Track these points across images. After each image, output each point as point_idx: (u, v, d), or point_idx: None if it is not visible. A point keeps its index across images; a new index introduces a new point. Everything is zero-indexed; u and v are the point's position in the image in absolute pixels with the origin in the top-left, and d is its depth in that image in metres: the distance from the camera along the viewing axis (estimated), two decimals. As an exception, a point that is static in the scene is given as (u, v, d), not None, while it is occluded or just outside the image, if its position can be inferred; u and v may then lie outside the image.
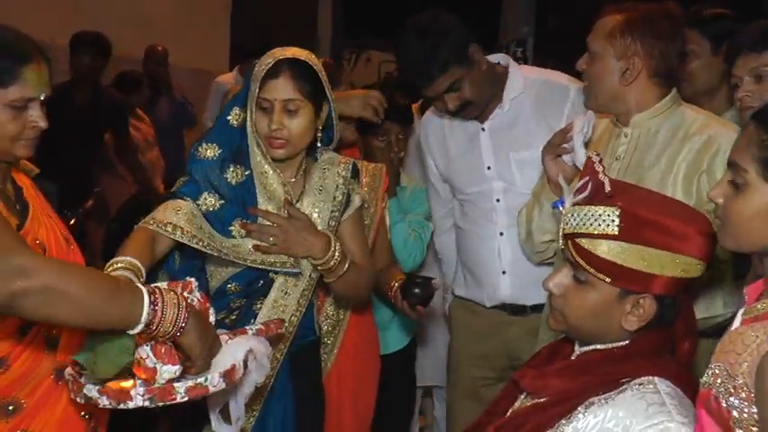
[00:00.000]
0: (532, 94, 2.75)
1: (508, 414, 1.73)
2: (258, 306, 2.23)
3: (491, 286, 2.81)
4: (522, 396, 1.75)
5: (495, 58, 2.80)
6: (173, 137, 6.30)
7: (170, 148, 6.15)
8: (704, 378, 1.46)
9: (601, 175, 1.63)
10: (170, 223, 2.10)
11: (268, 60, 2.16)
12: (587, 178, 1.65)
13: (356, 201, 2.31)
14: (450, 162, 2.87)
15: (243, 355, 1.72)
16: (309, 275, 2.25)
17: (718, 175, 2.14)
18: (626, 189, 1.67)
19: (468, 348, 2.92)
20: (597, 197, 1.62)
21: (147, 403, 1.60)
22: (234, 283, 2.21)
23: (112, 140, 5.19)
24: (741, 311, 1.49)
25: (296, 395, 2.30)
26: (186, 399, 1.61)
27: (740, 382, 1.37)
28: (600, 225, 1.60)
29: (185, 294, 1.69)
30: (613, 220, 1.59)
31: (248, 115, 2.18)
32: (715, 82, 2.80)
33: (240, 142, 2.21)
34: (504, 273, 2.78)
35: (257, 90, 2.14)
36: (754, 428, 1.36)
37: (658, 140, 2.23)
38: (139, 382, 1.64)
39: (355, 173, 2.33)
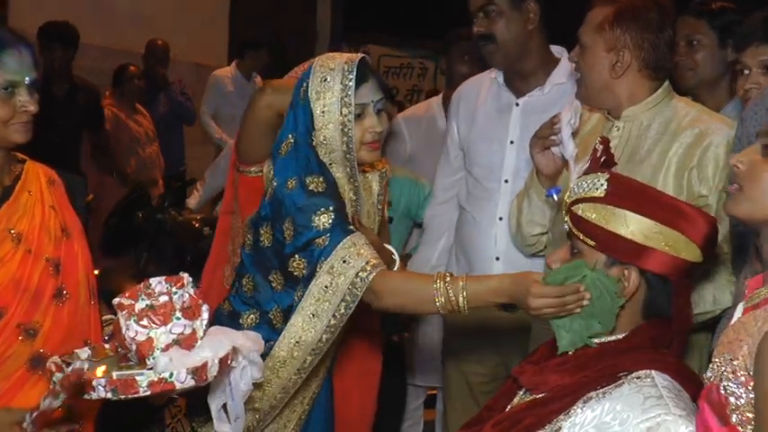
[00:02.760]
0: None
1: (507, 410, 1.73)
2: None
3: (483, 272, 2.79)
4: (521, 392, 1.75)
5: (554, 48, 2.82)
6: (172, 133, 6.31)
7: (169, 144, 6.17)
8: (708, 374, 1.48)
9: (597, 145, 1.72)
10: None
11: (343, 67, 2.10)
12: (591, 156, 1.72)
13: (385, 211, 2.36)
14: (473, 128, 2.88)
15: (223, 352, 1.68)
16: None
17: (709, 171, 2.15)
18: (620, 176, 1.73)
19: (460, 343, 2.92)
20: (593, 167, 1.70)
21: (109, 395, 1.58)
22: None
23: (88, 135, 5.12)
24: (741, 304, 1.50)
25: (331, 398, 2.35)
26: (149, 392, 1.59)
27: (740, 364, 1.38)
28: (588, 188, 1.66)
29: (174, 290, 1.69)
30: (602, 184, 1.65)
31: (342, 133, 2.09)
32: (719, 73, 2.81)
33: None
34: (497, 259, 2.78)
35: (353, 97, 2.08)
36: (750, 414, 1.36)
37: (650, 134, 2.22)
38: (161, 365, 1.63)
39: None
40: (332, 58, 2.17)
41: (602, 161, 1.71)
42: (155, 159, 5.90)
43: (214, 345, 1.69)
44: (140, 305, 1.64)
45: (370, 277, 1.95)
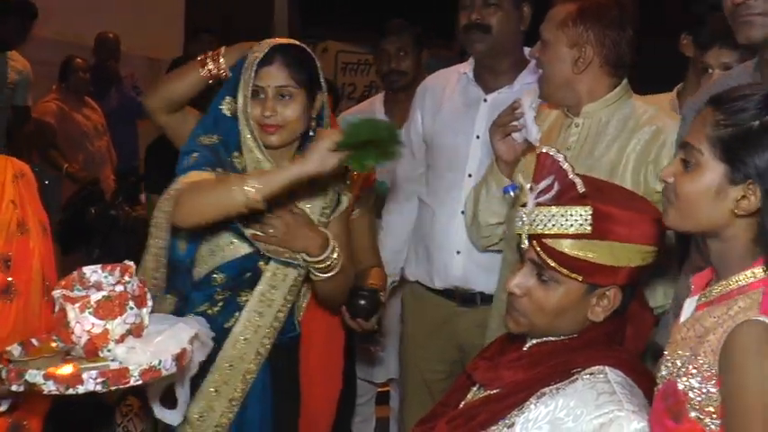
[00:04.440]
0: None
1: (461, 406, 1.73)
2: (244, 299, 2.23)
3: (443, 266, 2.81)
4: (475, 388, 1.75)
5: (526, 49, 2.84)
6: (125, 128, 6.21)
7: (121, 138, 6.06)
8: (663, 372, 1.48)
9: (571, 176, 1.63)
10: None
11: (262, 48, 2.18)
12: (552, 177, 1.63)
13: (344, 202, 2.32)
14: (439, 119, 2.89)
15: (188, 338, 1.69)
16: (299, 271, 2.25)
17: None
18: (593, 185, 1.68)
19: (419, 340, 2.92)
20: (565, 196, 1.62)
21: (98, 387, 1.55)
22: (221, 274, 2.21)
23: None
24: (688, 301, 1.52)
25: (274, 395, 2.30)
26: (140, 382, 1.58)
27: (702, 360, 1.39)
28: (572, 225, 1.60)
29: (126, 278, 1.66)
30: (586, 219, 1.60)
31: (241, 104, 2.18)
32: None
33: (235, 131, 2.21)
34: (458, 253, 2.79)
35: (252, 77, 2.15)
36: (711, 408, 1.38)
37: (609, 131, 2.24)
38: (91, 366, 1.59)
39: (345, 172, 2.33)
40: (273, 40, 2.22)
41: (581, 193, 1.62)
42: (105, 154, 5.80)
43: (175, 332, 1.69)
44: (96, 297, 1.61)
45: (178, 186, 2.07)
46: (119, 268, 1.70)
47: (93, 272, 1.70)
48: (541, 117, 2.41)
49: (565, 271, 1.62)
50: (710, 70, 2.37)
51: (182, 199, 2.05)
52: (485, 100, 2.82)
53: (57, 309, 1.64)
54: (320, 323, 2.45)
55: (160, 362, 1.59)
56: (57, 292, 1.64)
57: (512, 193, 2.05)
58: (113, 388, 1.56)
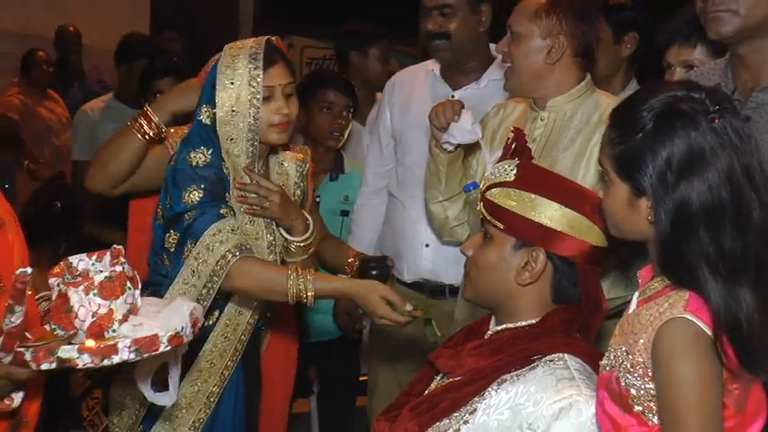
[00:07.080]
0: None
1: (424, 394, 1.75)
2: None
3: (412, 258, 2.85)
4: (438, 377, 1.77)
5: (492, 46, 2.86)
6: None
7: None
8: (604, 361, 1.52)
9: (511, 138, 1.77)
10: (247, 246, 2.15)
11: (249, 51, 2.18)
12: (513, 145, 1.78)
13: (303, 193, 2.41)
14: (407, 116, 2.92)
15: (189, 310, 1.69)
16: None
17: None
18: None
19: (388, 332, 2.93)
20: (505, 155, 1.77)
21: (132, 356, 1.54)
22: None
23: None
24: (636, 294, 1.55)
25: (245, 384, 2.34)
26: (168, 348, 1.58)
27: (637, 359, 1.43)
28: (499, 174, 1.72)
29: (121, 259, 1.66)
30: (512, 169, 1.71)
31: (250, 112, 2.16)
32: (612, 69, 2.87)
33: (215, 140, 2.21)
34: (427, 246, 2.83)
35: (260, 79, 2.15)
36: (652, 403, 1.42)
37: (573, 124, 2.28)
38: (125, 334, 1.59)
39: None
40: (240, 43, 2.23)
41: (514, 150, 1.77)
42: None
43: (175, 306, 1.70)
44: (99, 278, 1.61)
45: (230, 264, 2.07)
46: (109, 252, 1.69)
47: (79, 260, 1.68)
48: (507, 110, 2.45)
49: (488, 217, 1.70)
50: (672, 68, 2.42)
51: (238, 271, 2.08)
52: (452, 96, 2.83)
53: (54, 296, 1.62)
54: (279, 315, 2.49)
55: (183, 328, 1.61)
56: (54, 281, 1.63)
57: (472, 191, 2.08)
58: (145, 355, 1.56)
